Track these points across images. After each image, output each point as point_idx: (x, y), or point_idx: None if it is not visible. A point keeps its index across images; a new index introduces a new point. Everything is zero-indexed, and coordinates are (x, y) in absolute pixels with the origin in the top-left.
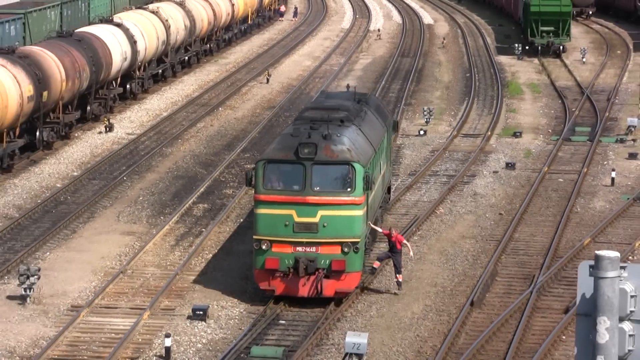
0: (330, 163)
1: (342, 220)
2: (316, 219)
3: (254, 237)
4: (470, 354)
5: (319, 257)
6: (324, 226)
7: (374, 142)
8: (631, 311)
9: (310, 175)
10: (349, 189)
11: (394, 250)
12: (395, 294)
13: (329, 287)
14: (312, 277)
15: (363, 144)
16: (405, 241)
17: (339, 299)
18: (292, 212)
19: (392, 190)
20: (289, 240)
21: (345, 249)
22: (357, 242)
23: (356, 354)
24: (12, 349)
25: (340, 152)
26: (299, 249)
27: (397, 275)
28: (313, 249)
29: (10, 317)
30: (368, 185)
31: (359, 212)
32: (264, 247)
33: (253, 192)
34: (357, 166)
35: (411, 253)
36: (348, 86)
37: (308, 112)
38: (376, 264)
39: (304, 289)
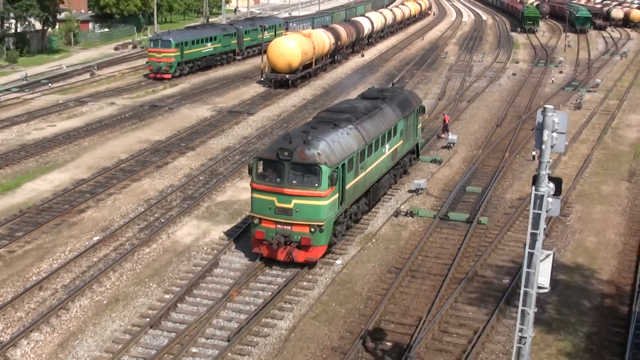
0: (302, 164)
1: (310, 208)
2: (291, 206)
3: (250, 214)
4: (496, 142)
5: (293, 234)
6: (296, 211)
7: (373, 135)
8: (555, 128)
9: (287, 173)
10: (316, 185)
11: (446, 125)
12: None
13: (300, 256)
14: (287, 248)
15: (348, 143)
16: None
17: (311, 264)
18: (274, 199)
19: (420, 150)
20: (272, 219)
21: (312, 230)
22: (321, 225)
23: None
24: None
25: (311, 156)
26: (279, 226)
27: (448, 132)
28: (289, 227)
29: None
30: (333, 181)
31: (324, 203)
32: (255, 222)
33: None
34: (323, 168)
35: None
36: (393, 84)
37: (322, 113)
38: (444, 135)
39: (281, 255)
